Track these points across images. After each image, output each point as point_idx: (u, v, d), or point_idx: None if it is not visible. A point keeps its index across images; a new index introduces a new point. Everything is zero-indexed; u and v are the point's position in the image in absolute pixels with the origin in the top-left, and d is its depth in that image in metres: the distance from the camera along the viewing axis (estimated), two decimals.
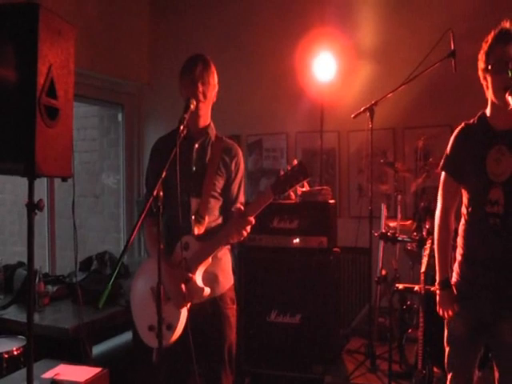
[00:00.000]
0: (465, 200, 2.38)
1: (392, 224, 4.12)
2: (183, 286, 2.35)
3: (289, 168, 2.23)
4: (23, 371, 2.20)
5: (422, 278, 3.00)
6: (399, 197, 4.24)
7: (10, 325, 3.02)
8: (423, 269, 3.02)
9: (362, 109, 3.96)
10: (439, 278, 2.44)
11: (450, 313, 2.37)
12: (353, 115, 3.98)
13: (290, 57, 4.99)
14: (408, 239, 3.78)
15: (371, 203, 4.03)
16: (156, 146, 2.71)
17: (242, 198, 2.66)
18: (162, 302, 2.33)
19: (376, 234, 3.95)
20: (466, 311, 2.34)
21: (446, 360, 2.42)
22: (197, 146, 2.59)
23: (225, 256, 2.66)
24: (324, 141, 5.01)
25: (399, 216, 4.15)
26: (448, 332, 2.41)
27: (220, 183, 2.58)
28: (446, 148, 2.43)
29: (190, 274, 2.40)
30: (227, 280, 2.65)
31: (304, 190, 3.85)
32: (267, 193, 2.28)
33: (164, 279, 2.27)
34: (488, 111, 2.31)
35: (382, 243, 4.07)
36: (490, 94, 2.27)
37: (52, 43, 2.13)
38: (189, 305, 2.37)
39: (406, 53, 4.62)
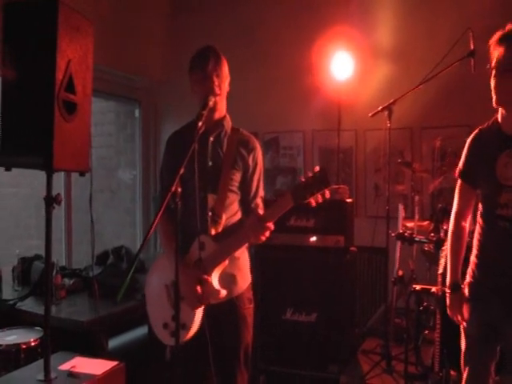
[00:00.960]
0: (480, 204, 2.39)
1: (409, 224, 4.09)
2: (198, 287, 2.31)
3: (310, 174, 2.11)
4: (40, 362, 2.21)
5: (439, 279, 2.98)
6: (416, 197, 4.21)
7: (28, 316, 3.05)
8: (440, 270, 2.99)
9: (380, 108, 3.93)
10: (450, 280, 2.45)
11: (459, 317, 2.38)
12: (370, 114, 3.96)
13: (308, 55, 4.97)
14: (425, 240, 3.75)
15: (388, 203, 4.00)
16: (171, 140, 2.63)
17: (261, 193, 2.58)
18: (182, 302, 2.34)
19: (393, 234, 3.92)
20: (477, 313, 2.34)
21: (462, 354, 2.41)
22: (212, 139, 2.51)
23: (242, 255, 2.59)
24: (341, 139, 4.99)
25: (416, 216, 4.11)
26: (464, 333, 2.41)
27: (237, 177, 2.50)
28: (462, 154, 2.45)
29: (206, 276, 2.33)
30: (245, 280, 2.59)
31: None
32: (287, 199, 2.17)
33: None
34: (499, 116, 2.32)
35: (399, 243, 4.05)
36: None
37: (71, 39, 2.15)
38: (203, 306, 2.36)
39: (424, 52, 4.58)
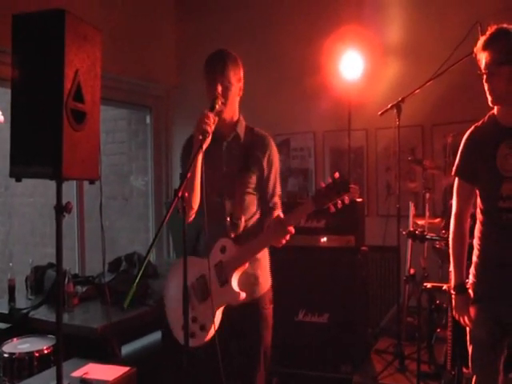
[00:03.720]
0: (478, 201, 2.39)
1: (420, 222, 4.06)
2: (219, 288, 2.36)
3: (330, 180, 2.16)
4: (53, 369, 2.25)
5: (451, 276, 2.96)
6: (427, 195, 4.18)
7: (41, 324, 3.08)
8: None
9: (389, 106, 3.92)
10: (455, 282, 2.45)
11: (466, 318, 2.38)
12: (380, 112, 3.95)
13: (317, 55, 4.97)
14: (437, 237, 3.73)
15: (399, 201, 3.99)
16: (186, 146, 2.62)
17: (279, 191, 2.61)
18: (197, 303, 2.40)
19: (404, 233, 3.91)
20: (483, 313, 2.33)
21: (470, 361, 2.40)
22: (225, 144, 2.54)
23: (264, 256, 2.63)
24: (352, 139, 4.98)
25: (427, 214, 4.08)
26: (469, 333, 2.40)
27: (253, 179, 2.53)
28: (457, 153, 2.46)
29: (227, 278, 2.38)
30: (267, 281, 2.63)
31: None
32: (308, 203, 2.23)
33: (202, 279, 2.36)
34: (495, 111, 2.35)
35: (410, 242, 4.02)
36: None
37: (78, 48, 2.17)
38: (222, 307, 2.38)
39: (434, 48, 4.56)
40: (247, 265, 2.43)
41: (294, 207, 2.33)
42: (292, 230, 2.29)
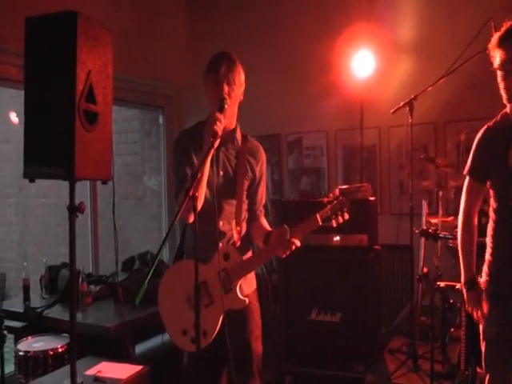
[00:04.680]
0: (492, 200, 2.39)
1: (433, 220, 4.04)
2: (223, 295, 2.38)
3: (331, 197, 2.40)
4: (67, 368, 2.27)
5: (461, 272, 2.94)
6: (440, 193, 4.15)
7: (55, 323, 3.11)
8: None
9: (402, 103, 3.90)
10: (464, 278, 2.46)
11: (479, 313, 2.38)
12: (392, 110, 3.93)
13: (329, 54, 4.96)
14: (450, 236, 3.70)
15: (412, 199, 3.97)
16: (181, 140, 2.61)
17: (264, 199, 2.72)
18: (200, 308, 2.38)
19: (417, 231, 3.89)
20: (496, 311, 2.33)
21: (483, 360, 2.40)
22: (223, 149, 2.55)
23: None
24: (364, 137, 4.97)
25: (440, 212, 4.06)
26: (482, 331, 2.40)
27: (245, 186, 2.59)
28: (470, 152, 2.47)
29: (231, 286, 2.42)
30: (254, 279, 2.69)
31: (344, 186, 3.86)
32: (315, 220, 2.40)
33: (205, 285, 2.38)
34: (508, 108, 2.34)
35: (423, 240, 4.01)
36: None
37: (90, 49, 2.19)
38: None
39: (446, 46, 4.53)
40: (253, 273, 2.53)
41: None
42: (297, 242, 2.41)
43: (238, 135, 2.61)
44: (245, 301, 2.43)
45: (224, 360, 2.36)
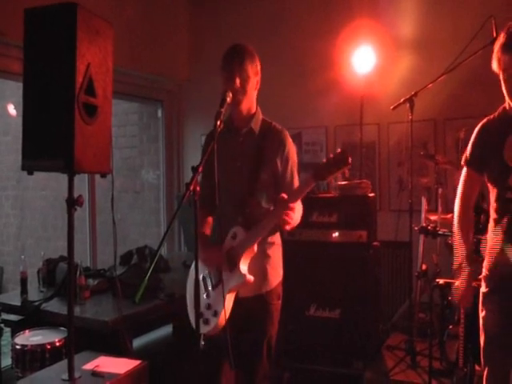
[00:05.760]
0: (491, 194, 2.39)
1: (433, 217, 4.03)
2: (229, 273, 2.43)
3: (331, 156, 2.22)
4: (65, 362, 2.25)
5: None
6: (440, 190, 4.15)
7: (53, 317, 3.09)
8: None
9: (402, 100, 3.90)
10: (466, 252, 2.45)
11: (467, 299, 2.42)
12: (392, 107, 3.93)
13: (329, 50, 4.95)
14: (449, 233, 3.69)
15: (411, 196, 3.96)
16: (206, 140, 2.64)
17: (296, 183, 2.60)
18: (210, 289, 2.51)
19: (416, 228, 3.88)
20: (495, 305, 2.32)
21: (481, 354, 2.40)
22: (241, 139, 2.58)
23: (275, 254, 2.66)
24: (364, 134, 4.96)
25: (440, 209, 4.06)
26: (482, 326, 2.39)
27: (267, 174, 2.55)
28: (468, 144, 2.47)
29: (235, 262, 2.44)
30: (276, 277, 2.65)
31: (344, 183, 3.85)
32: (308, 178, 2.29)
33: (214, 267, 2.46)
34: (507, 105, 2.34)
35: (422, 237, 4.00)
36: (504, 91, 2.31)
37: (90, 42, 2.17)
38: (234, 294, 2.44)
39: (447, 43, 4.52)
40: (255, 248, 2.46)
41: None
42: (293, 206, 2.31)
43: (256, 123, 2.60)
44: (244, 276, 2.42)
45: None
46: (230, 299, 2.44)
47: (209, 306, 2.49)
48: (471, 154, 2.44)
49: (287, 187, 2.54)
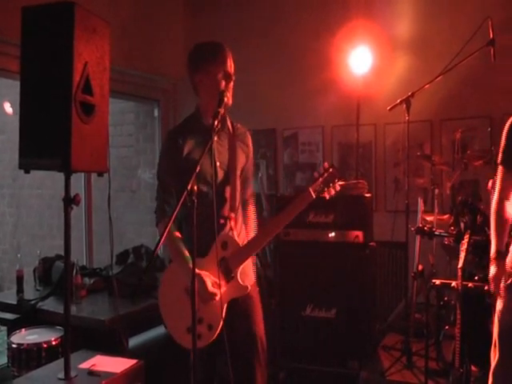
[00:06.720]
0: None
1: (429, 218, 4.04)
2: (225, 284, 2.39)
3: (322, 171, 2.39)
4: (61, 361, 2.25)
5: (460, 273, 2.95)
6: (436, 190, 4.16)
7: (49, 316, 3.09)
8: (461, 264, 2.96)
9: (399, 100, 3.90)
10: (496, 248, 2.47)
11: (502, 286, 2.39)
12: (389, 107, 3.93)
13: (326, 50, 4.95)
14: (445, 234, 3.71)
15: (408, 197, 3.97)
16: (174, 141, 2.53)
17: (251, 182, 2.72)
18: (201, 303, 2.35)
19: (412, 229, 3.89)
20: None
21: (496, 340, 2.40)
22: (216, 138, 2.50)
23: None
24: (360, 134, 4.96)
25: (436, 210, 4.07)
26: (499, 327, 2.40)
27: (239, 173, 2.59)
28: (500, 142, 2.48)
29: (232, 274, 2.41)
30: (253, 269, 2.67)
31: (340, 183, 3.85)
32: (308, 193, 2.40)
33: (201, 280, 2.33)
34: None
35: (418, 238, 4.01)
36: None
37: (87, 41, 2.17)
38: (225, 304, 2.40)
39: (443, 44, 4.53)
40: (250, 259, 2.50)
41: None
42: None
43: (229, 122, 2.63)
44: (247, 287, 2.42)
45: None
46: (224, 309, 2.39)
47: (200, 320, 2.36)
48: (503, 152, 2.46)
49: (248, 183, 2.67)
